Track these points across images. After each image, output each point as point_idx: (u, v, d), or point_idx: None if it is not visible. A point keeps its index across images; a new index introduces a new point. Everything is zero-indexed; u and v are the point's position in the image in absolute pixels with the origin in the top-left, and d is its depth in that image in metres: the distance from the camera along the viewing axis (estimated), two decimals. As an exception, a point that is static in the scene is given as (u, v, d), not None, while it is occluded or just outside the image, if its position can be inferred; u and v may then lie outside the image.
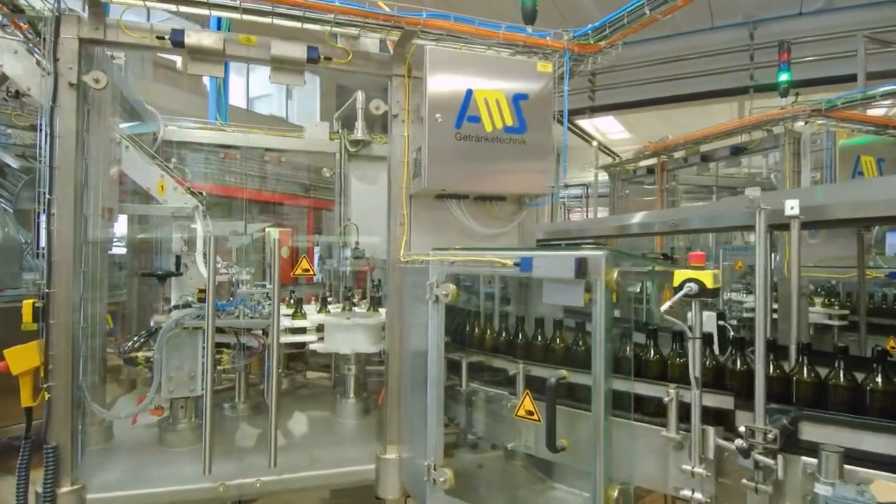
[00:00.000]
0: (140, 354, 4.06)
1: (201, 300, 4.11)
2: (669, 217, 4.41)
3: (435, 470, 3.25)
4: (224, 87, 7.10)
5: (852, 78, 7.81)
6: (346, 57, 3.91)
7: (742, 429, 2.40)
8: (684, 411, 2.59)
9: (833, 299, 5.89)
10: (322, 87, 16.10)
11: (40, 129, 3.42)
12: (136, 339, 4.17)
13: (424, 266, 3.56)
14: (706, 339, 2.86)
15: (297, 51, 3.73)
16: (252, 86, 16.57)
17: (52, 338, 3.38)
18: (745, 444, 2.36)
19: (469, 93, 3.72)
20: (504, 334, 3.51)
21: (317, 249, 10.16)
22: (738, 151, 7.10)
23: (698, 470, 2.51)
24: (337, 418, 4.80)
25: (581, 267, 2.56)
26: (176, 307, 4.30)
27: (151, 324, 4.08)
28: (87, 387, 3.73)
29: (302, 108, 16.88)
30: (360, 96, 6.90)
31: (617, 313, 3.03)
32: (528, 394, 2.92)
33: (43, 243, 5.95)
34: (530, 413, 2.89)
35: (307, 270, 3.93)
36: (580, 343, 3.15)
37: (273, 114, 16.06)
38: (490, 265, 3.05)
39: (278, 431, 3.65)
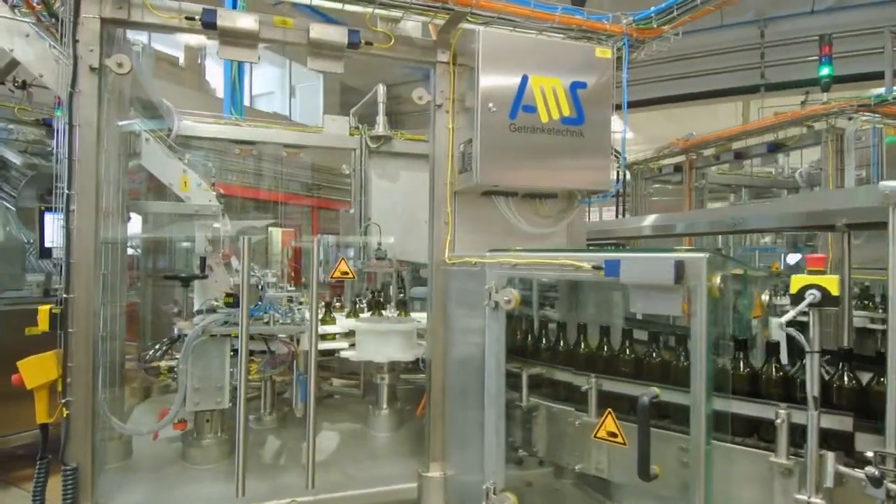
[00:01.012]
0: (163, 364, 3.75)
1: (228, 304, 3.80)
2: (736, 215, 4.13)
3: (495, 494, 2.95)
4: (239, 80, 6.77)
5: (874, 76, 7.57)
6: (388, 42, 3.61)
7: (870, 454, 2.11)
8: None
9: (867, 301, 5.60)
10: (325, 84, 15.81)
11: (56, 120, 3.11)
12: (157, 347, 3.85)
13: (476, 268, 3.26)
14: (773, 348, 2.58)
15: (338, 34, 3.42)
16: (254, 83, 16.26)
17: (72, 348, 3.06)
18: (876, 472, 2.07)
19: (524, 80, 3.42)
20: (563, 343, 3.21)
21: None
22: (775, 149, 6.83)
23: (816, 501, 2.22)
24: (370, 431, 4.49)
25: (680, 271, 2.27)
26: (199, 312, 3.99)
27: (174, 331, 3.76)
28: (106, 400, 3.42)
29: (305, 106, 16.59)
30: (380, 90, 6.59)
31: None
32: (610, 413, 2.62)
33: (49, 242, 5.65)
34: (613, 435, 2.59)
35: (346, 273, 3.63)
36: (654, 354, 2.85)
37: (276, 111, 15.73)
38: (560, 268, 2.75)
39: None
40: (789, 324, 2.20)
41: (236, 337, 3.68)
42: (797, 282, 2.21)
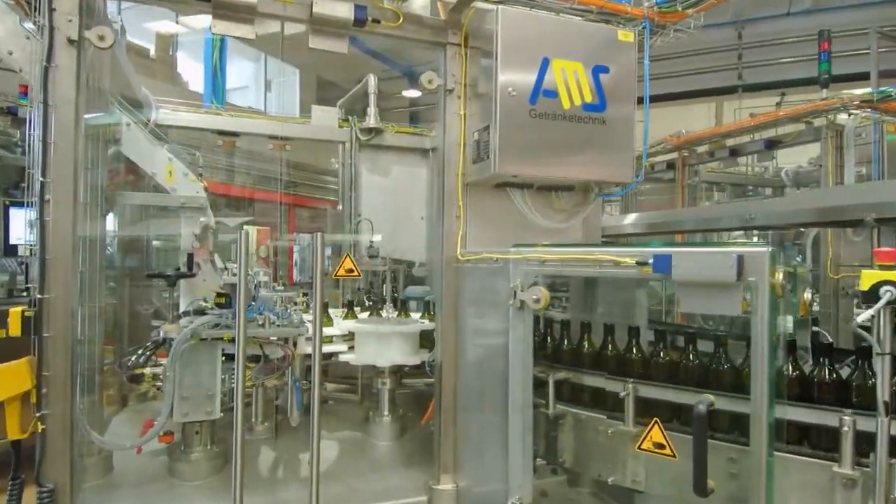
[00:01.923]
0: (147, 371, 3.42)
1: (220, 305, 3.49)
2: (756, 210, 3.97)
3: (522, 510, 2.72)
4: (221, 67, 6.40)
5: (854, 77, 7.59)
6: (396, 20, 3.34)
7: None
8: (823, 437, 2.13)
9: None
10: (302, 79, 15.44)
11: (30, 103, 2.78)
12: (140, 352, 3.52)
13: (496, 265, 3.03)
14: (824, 350, 2.40)
15: (343, 10, 3.14)
16: (228, 78, 15.69)
17: (47, 355, 2.73)
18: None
19: (545, 63, 3.19)
20: (588, 345, 2.99)
21: (297, 249, 9.50)
22: (772, 145, 6.73)
23: (887, 515, 2.03)
24: (371, 439, 4.20)
25: (741, 266, 2.06)
26: (186, 314, 3.67)
27: (159, 334, 3.43)
28: (86, 411, 3.09)
29: (281, 102, 16.16)
30: (371, 80, 6.32)
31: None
32: (657, 423, 2.40)
33: (15, 239, 5.23)
34: (660, 446, 2.37)
35: (351, 271, 3.35)
36: (692, 357, 2.65)
37: (251, 106, 15.27)
38: (596, 265, 2.52)
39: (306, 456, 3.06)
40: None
41: (229, 341, 3.40)
42: (869, 278, 2.02)
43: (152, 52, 12.61)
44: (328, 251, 6.30)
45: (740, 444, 2.28)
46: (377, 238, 6.12)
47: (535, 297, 2.69)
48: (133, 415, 4.36)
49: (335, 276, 3.41)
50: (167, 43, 12.96)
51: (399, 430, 4.23)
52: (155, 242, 5.82)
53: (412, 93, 15.92)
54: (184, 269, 3.76)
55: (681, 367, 2.67)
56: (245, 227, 5.64)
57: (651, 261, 2.27)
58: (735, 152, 7.20)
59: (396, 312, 4.46)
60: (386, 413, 4.21)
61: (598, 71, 3.32)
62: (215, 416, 3.45)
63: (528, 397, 2.79)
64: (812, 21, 9.95)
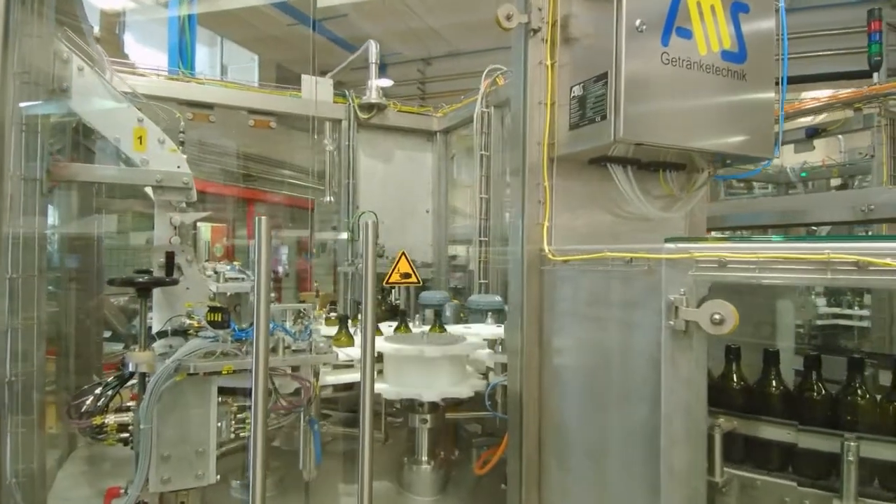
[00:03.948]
0: (111, 420, 2.39)
1: (213, 323, 2.49)
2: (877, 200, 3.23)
3: None
4: (190, 27, 5.32)
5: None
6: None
7: None
8: None
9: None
10: (261, 64, 14.32)
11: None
12: (100, 391, 2.48)
13: (614, 268, 2.15)
14: None
15: None
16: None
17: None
18: None
19: (679, -11, 2.33)
20: (775, 382, 2.13)
21: (284, 249, 8.54)
22: (815, 134, 6.09)
23: None
24: (408, 494, 3.25)
25: None
26: (163, 335, 2.65)
27: (128, 366, 2.39)
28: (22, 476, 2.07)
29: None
30: (372, 47, 5.36)
31: None
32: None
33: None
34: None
35: (408, 276, 2.41)
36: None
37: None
38: (826, 268, 1.67)
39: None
40: None
41: (227, 374, 2.41)
42: None
43: (96, 31, 11.20)
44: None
45: None
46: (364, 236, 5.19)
47: (715, 316, 1.81)
48: (88, 466, 3.29)
49: (387, 282, 2.46)
50: (113, 22, 11.56)
51: (442, 482, 3.29)
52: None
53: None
54: (159, 273, 2.73)
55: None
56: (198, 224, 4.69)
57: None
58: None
59: (430, 327, 3.51)
60: (425, 459, 3.25)
61: (737, 9, 2.48)
62: (210, 481, 2.45)
63: (698, 463, 1.91)
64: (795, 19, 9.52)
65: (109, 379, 2.55)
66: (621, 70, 2.23)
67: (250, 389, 2.54)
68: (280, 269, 7.63)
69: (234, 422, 2.57)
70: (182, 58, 5.17)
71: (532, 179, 2.60)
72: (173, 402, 2.37)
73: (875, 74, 5.70)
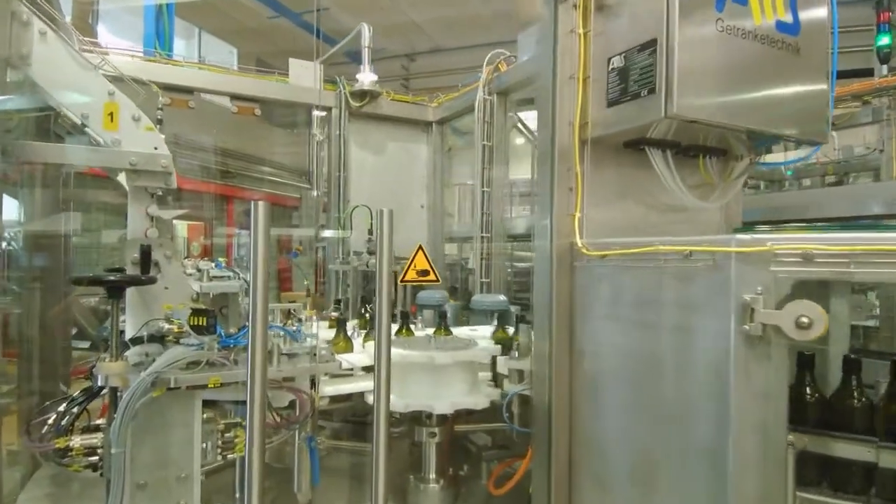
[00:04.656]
0: (77, 442, 2.04)
1: (197, 328, 2.14)
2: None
3: None
4: (168, 10, 4.92)
5: None
6: None
7: None
8: None
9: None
10: (240, 58, 13.88)
11: None
12: (63, 408, 2.12)
13: (664, 263, 1.87)
14: None
15: None
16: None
17: None
18: None
19: (734, -52, 2.05)
20: (857, 394, 1.86)
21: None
22: (820, 127, 5.89)
23: None
24: (415, 515, 2.93)
25: None
26: (137, 342, 2.30)
27: (97, 379, 2.04)
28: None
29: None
30: (365, 30, 5.03)
31: None
32: None
33: None
34: None
35: (426, 273, 2.10)
36: None
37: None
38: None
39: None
40: None
41: (214, 387, 2.08)
42: None
43: (68, 20, 10.68)
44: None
45: None
46: (350, 233, 4.86)
47: (803, 319, 1.53)
48: (54, 488, 2.92)
49: (402, 280, 2.15)
50: (86, 11, 11.05)
51: (451, 501, 2.97)
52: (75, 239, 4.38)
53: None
54: (133, 271, 2.37)
55: None
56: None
57: None
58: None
59: (397, 328, 3.19)
60: (433, 477, 2.93)
61: (791, -28, 2.21)
62: (192, 512, 2.11)
63: (774, 490, 1.64)
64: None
65: (76, 394, 2.19)
66: (674, 36, 1.95)
67: (241, 404, 2.22)
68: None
69: (220, 441, 2.23)
70: (159, 40, 4.77)
71: (562, 164, 2.30)
72: (150, 421, 2.02)
73: (884, 67, 5.52)
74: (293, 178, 8.25)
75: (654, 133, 2.26)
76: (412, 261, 2.16)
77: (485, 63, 4.49)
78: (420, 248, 2.26)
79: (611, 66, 2.19)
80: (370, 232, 4.72)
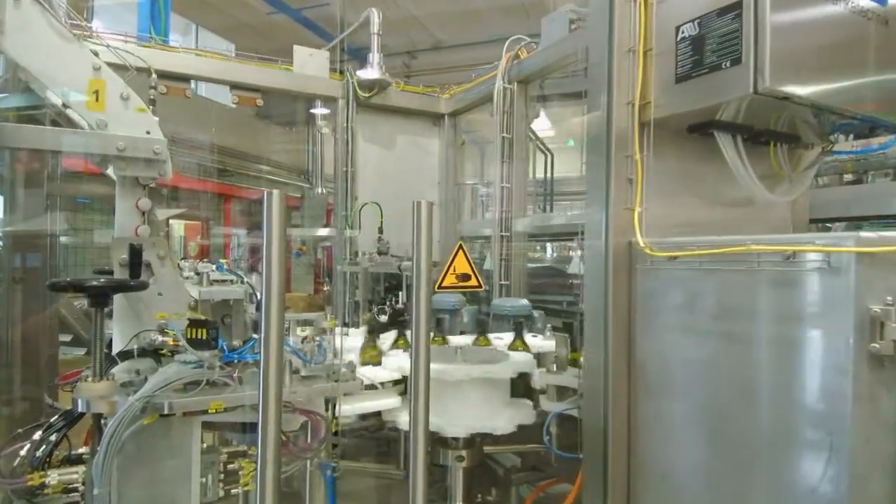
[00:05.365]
0: (54, 479, 1.72)
1: (195, 342, 1.82)
2: None
3: None
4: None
5: None
6: None
7: None
8: None
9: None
10: (238, 51, 13.61)
11: None
12: (40, 437, 1.80)
13: (746, 267, 1.56)
14: None
15: None
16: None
17: None
18: None
19: None
20: None
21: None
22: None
23: None
24: (441, 548, 2.61)
25: None
26: (126, 357, 1.97)
27: (79, 403, 1.72)
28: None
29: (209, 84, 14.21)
30: (374, 16, 4.71)
31: None
32: None
33: None
34: None
35: (467, 278, 1.78)
36: None
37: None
38: None
39: None
40: None
41: (215, 412, 1.77)
42: None
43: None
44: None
45: None
46: (354, 233, 4.55)
47: (959, 335, 1.22)
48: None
49: (440, 287, 1.84)
50: (80, 8, 10.72)
51: (482, 532, 2.66)
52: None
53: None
54: (121, 274, 2.05)
55: None
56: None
57: None
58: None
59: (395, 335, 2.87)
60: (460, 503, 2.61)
61: (882, -70, 1.91)
62: (189, 560, 1.78)
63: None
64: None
65: (53, 419, 1.86)
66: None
67: (249, 430, 1.91)
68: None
69: (222, 473, 1.91)
70: (155, 26, 4.45)
71: (619, 151, 1.99)
72: (140, 452, 1.70)
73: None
74: (292, 177, 7.96)
75: (724, 115, 1.96)
76: (451, 263, 1.84)
77: (504, 50, 4.18)
78: (460, 246, 1.94)
79: (680, 35, 1.88)
80: (380, 231, 4.41)
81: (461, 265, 1.84)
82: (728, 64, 1.72)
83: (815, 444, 1.44)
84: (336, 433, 2.11)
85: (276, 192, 1.36)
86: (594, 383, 2.01)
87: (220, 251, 7.67)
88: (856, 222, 3.62)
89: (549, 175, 5.74)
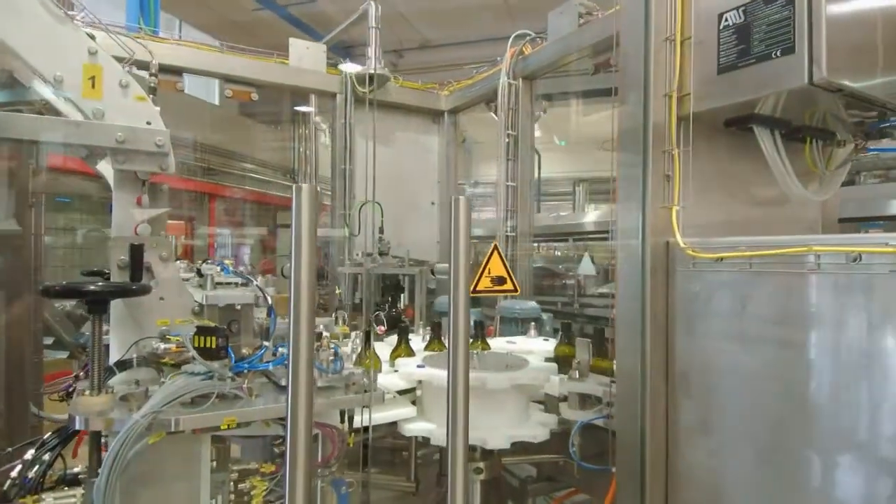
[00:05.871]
0: (50, 502, 1.56)
1: (203, 351, 1.67)
2: None
3: None
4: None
5: None
6: None
7: None
8: None
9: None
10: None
11: None
12: (32, 456, 1.64)
13: (806, 270, 1.46)
14: None
15: None
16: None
17: None
18: None
19: None
20: None
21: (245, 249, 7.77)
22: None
23: None
24: (458, 567, 2.47)
25: None
26: (125, 366, 1.82)
27: (76, 421, 1.56)
28: None
29: (194, 81, 13.92)
30: (372, 8, 4.57)
31: None
32: None
33: None
34: None
35: (502, 281, 1.65)
36: None
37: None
38: None
39: None
40: None
41: (228, 428, 1.62)
42: None
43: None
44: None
45: None
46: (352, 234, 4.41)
47: None
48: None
49: (474, 291, 1.71)
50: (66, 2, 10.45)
51: (502, 547, 2.53)
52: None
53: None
54: (119, 276, 1.89)
55: None
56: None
57: None
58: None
59: (428, 341, 2.76)
60: (478, 519, 2.48)
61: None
62: (200, 591, 1.63)
63: None
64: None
65: (46, 436, 1.70)
66: (823, -24, 1.53)
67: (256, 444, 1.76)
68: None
69: (232, 494, 1.76)
70: (144, 15, 4.27)
71: (657, 147, 1.88)
72: (145, 473, 1.55)
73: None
74: (278, 176, 7.76)
75: (763, 109, 1.86)
76: (486, 265, 1.70)
77: (508, 44, 4.07)
78: (495, 247, 1.80)
79: (724, 23, 1.77)
80: (381, 231, 4.26)
81: (496, 267, 1.71)
82: (778, 52, 1.61)
83: (890, 465, 1.34)
84: (366, 446, 1.97)
85: (305, 186, 1.23)
86: (629, 391, 1.90)
87: (203, 254, 7.46)
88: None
89: (536, 175, 5.65)
